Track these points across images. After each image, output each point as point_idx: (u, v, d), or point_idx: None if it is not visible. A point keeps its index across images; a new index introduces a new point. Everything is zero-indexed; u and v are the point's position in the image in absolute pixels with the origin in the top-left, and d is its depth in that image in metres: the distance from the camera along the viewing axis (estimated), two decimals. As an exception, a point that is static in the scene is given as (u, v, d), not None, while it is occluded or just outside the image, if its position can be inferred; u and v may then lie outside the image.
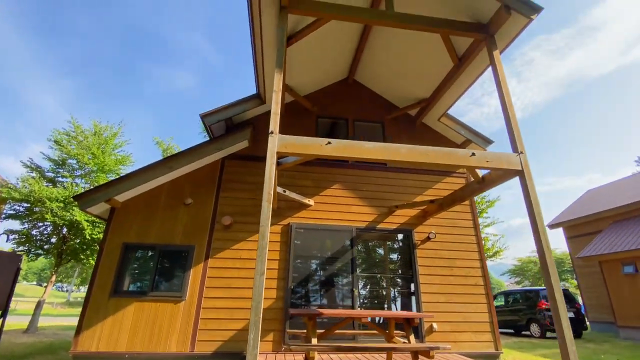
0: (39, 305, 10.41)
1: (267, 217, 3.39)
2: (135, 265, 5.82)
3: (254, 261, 6.36)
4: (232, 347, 5.39)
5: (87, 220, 10.46)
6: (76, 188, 11.25)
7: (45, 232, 11.30)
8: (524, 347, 9.26)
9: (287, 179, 6.61)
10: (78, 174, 12.03)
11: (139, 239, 5.86)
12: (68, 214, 10.34)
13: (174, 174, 6.23)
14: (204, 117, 6.39)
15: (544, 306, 11.46)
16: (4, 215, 11.16)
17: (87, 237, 10.53)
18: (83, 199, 5.58)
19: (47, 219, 10.10)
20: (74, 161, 11.84)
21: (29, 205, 10.47)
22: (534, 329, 11.81)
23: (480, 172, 5.06)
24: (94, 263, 12.25)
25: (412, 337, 3.87)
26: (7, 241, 12.24)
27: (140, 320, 5.34)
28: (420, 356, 3.73)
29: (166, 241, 5.91)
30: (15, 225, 11.53)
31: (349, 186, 6.91)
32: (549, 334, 11.22)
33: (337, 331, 4.15)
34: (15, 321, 13.91)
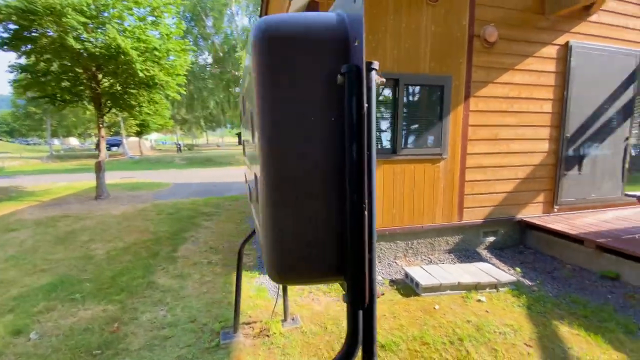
0: (100, 167, 8.18)
1: None
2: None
3: (525, 101, 4.32)
4: (501, 213, 4.16)
5: (135, 49, 7.02)
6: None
7: (64, 69, 7.68)
8: None
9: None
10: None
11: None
12: (101, 35, 6.81)
13: None
14: None
15: None
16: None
17: (139, 73, 7.34)
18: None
19: (71, 46, 6.56)
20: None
21: (27, 22, 6.58)
22: None
23: None
24: (147, 111, 9.61)
25: None
26: (10, 84, 8.79)
27: (393, 188, 3.69)
28: None
29: (409, 69, 3.56)
30: (14, 57, 7.72)
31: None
32: None
33: None
34: (78, 181, 12.24)
